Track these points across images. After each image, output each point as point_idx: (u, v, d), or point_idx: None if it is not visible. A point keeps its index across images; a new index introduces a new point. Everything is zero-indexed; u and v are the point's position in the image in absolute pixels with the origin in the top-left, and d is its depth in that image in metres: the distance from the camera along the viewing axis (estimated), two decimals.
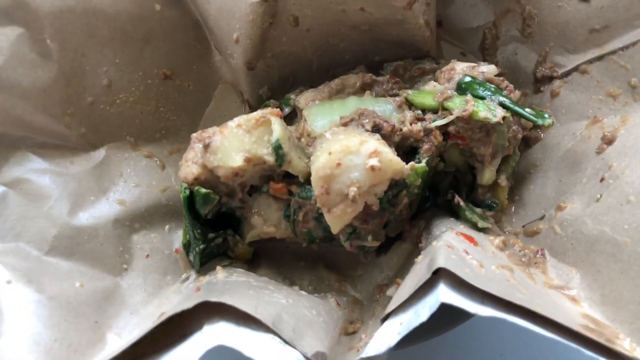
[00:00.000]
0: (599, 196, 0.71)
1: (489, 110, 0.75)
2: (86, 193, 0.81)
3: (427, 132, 0.78)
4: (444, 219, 0.81)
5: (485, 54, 0.96)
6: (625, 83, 0.78)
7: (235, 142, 0.75)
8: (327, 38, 0.90)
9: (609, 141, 0.75)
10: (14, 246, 0.72)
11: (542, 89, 0.89)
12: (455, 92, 0.79)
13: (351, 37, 0.89)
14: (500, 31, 0.92)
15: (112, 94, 0.86)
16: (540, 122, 0.79)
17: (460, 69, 0.83)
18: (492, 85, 0.79)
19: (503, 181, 0.82)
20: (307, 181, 0.77)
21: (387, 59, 0.92)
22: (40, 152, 0.80)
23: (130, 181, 0.86)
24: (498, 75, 0.82)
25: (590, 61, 0.81)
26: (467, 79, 0.80)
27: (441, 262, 0.59)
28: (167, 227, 0.86)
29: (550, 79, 0.87)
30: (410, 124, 0.78)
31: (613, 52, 0.79)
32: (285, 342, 0.61)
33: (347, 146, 0.71)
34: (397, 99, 0.82)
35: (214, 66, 0.96)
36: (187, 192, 0.77)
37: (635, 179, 0.67)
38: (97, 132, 0.85)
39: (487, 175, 0.80)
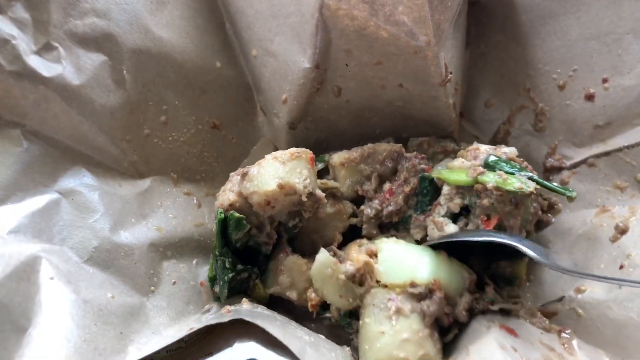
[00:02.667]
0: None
1: (522, 183, 0.79)
2: (128, 214, 0.82)
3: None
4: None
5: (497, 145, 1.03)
6: (631, 177, 0.84)
7: (270, 170, 0.78)
8: (363, 110, 0.97)
9: (622, 231, 0.79)
10: (59, 249, 0.73)
11: (551, 178, 0.95)
12: (485, 169, 0.82)
13: (384, 111, 0.96)
14: (513, 126, 1.00)
15: (167, 130, 0.90)
16: (568, 193, 0.83)
17: (484, 149, 0.88)
18: (516, 164, 0.84)
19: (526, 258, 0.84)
20: (348, 314, 0.80)
21: (413, 135, 0.99)
22: (94, 170, 0.82)
23: (169, 212, 0.87)
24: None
25: (597, 156, 0.88)
26: (493, 157, 0.85)
27: None
28: (195, 260, 0.87)
29: (559, 169, 0.94)
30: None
31: (619, 150, 0.86)
32: None
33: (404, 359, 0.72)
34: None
35: (257, 125, 1.02)
36: (222, 215, 0.79)
37: None
38: (146, 163, 0.88)
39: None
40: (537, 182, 0.82)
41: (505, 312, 0.81)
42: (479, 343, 0.72)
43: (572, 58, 0.90)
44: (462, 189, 0.84)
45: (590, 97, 0.88)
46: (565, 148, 0.93)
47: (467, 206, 0.84)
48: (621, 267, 0.76)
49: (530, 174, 0.83)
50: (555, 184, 0.86)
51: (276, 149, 0.98)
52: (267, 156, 0.80)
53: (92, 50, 0.80)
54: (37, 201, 0.75)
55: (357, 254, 0.79)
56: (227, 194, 0.80)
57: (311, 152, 0.83)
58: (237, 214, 0.78)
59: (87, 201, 0.79)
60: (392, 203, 0.89)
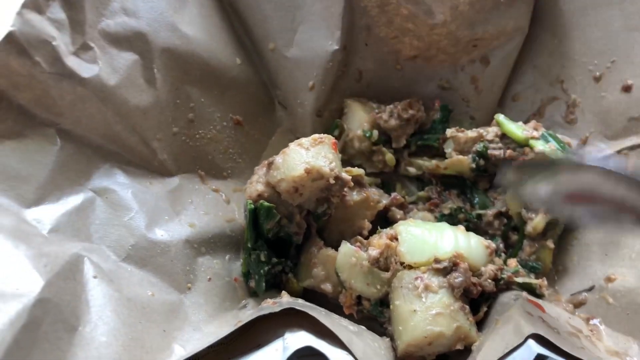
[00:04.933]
0: None
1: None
2: (162, 212, 0.88)
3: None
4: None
5: None
6: None
7: (295, 157, 0.84)
8: (381, 95, 1.05)
9: None
10: (98, 247, 0.78)
11: None
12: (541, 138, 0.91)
13: (401, 93, 1.05)
14: (543, 117, 1.05)
15: (194, 128, 0.95)
16: None
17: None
18: (569, 147, 0.93)
19: (550, 243, 0.91)
20: (379, 302, 0.86)
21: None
22: (126, 169, 0.88)
23: (200, 209, 0.93)
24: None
25: (631, 147, 0.93)
26: (552, 133, 0.93)
27: (531, 329, 0.67)
28: (227, 256, 0.93)
29: None
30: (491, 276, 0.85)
31: None
32: None
33: (440, 333, 0.77)
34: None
35: (276, 120, 1.08)
36: (252, 206, 0.85)
37: None
38: (175, 161, 0.93)
39: (538, 222, 0.89)
40: None
41: (531, 292, 0.87)
42: (507, 313, 0.78)
43: (612, 49, 0.94)
44: (506, 139, 0.94)
45: (627, 89, 0.93)
46: (596, 141, 0.97)
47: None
48: None
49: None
50: None
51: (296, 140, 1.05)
52: (291, 144, 0.86)
53: (125, 49, 0.85)
54: (74, 200, 0.80)
55: (377, 239, 0.86)
56: (255, 185, 0.86)
57: (334, 137, 0.89)
58: (266, 203, 0.84)
59: (121, 199, 0.84)
60: (413, 108, 1.01)
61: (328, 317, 0.74)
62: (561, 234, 0.95)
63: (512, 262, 0.89)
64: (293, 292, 0.90)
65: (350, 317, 0.86)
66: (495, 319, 0.79)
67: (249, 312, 0.82)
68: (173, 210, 0.90)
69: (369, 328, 0.85)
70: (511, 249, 0.96)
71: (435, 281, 0.81)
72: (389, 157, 1.02)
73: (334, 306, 0.89)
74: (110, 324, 0.70)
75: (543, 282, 0.87)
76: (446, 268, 0.82)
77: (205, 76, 0.96)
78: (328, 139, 0.87)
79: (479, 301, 0.86)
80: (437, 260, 0.82)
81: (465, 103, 1.07)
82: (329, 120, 1.05)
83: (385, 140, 1.03)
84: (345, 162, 1.03)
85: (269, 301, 0.80)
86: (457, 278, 0.81)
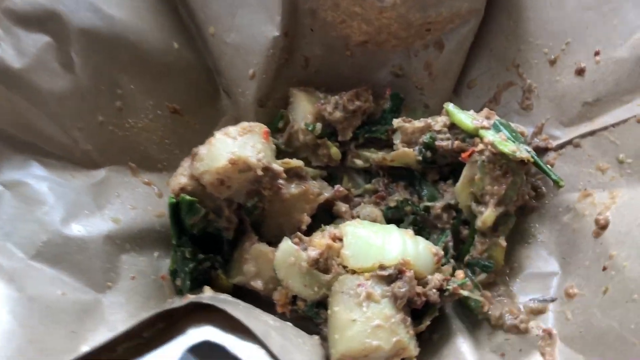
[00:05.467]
0: (604, 288, 0.76)
1: (517, 149, 0.82)
2: (82, 206, 0.83)
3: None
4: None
5: None
6: (613, 158, 0.85)
7: (221, 147, 0.80)
8: (331, 84, 1.00)
9: (603, 226, 0.80)
10: (2, 245, 0.73)
11: None
12: (492, 128, 0.87)
13: (351, 81, 1.00)
14: (499, 104, 1.01)
15: (122, 117, 0.90)
16: (554, 177, 0.87)
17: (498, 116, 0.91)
18: (522, 137, 0.88)
19: (503, 241, 0.87)
20: (315, 304, 0.83)
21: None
22: (44, 161, 0.83)
23: (127, 202, 0.88)
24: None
25: (583, 135, 0.88)
26: (504, 122, 0.89)
27: None
28: (156, 253, 0.88)
29: (545, 150, 0.94)
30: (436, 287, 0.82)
31: (604, 128, 0.86)
32: (274, 356, 0.61)
33: (378, 347, 0.74)
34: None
35: (221, 109, 1.03)
36: (173, 200, 0.81)
37: (637, 275, 0.72)
38: (101, 152, 0.88)
39: (488, 217, 0.85)
40: (534, 159, 0.86)
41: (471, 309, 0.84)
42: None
43: (565, 30, 0.90)
44: (456, 130, 0.90)
45: (580, 72, 0.89)
46: (552, 128, 0.93)
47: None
48: (604, 268, 0.77)
49: (530, 150, 0.87)
50: (550, 167, 0.88)
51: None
52: (217, 133, 0.82)
53: (34, 30, 0.80)
54: None
55: (319, 238, 0.81)
56: (178, 178, 0.81)
57: (265, 126, 0.84)
58: (188, 197, 0.80)
59: (34, 192, 0.79)
60: (360, 99, 0.96)
61: (246, 311, 0.69)
62: (517, 229, 0.91)
63: (460, 274, 0.85)
64: (223, 289, 0.86)
65: (282, 316, 0.82)
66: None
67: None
68: (95, 205, 0.85)
69: (303, 328, 0.81)
70: (462, 245, 0.92)
71: (378, 290, 0.78)
72: (334, 151, 0.97)
73: (267, 304, 0.85)
74: (4, 325, 0.65)
75: (488, 299, 0.85)
76: (391, 276, 0.79)
77: (134, 61, 0.91)
78: (259, 127, 0.83)
79: (421, 311, 0.82)
80: (382, 267, 0.79)
81: (419, 90, 1.03)
82: (274, 110, 1.01)
83: (331, 132, 0.98)
84: (291, 155, 0.99)
85: (187, 296, 0.75)
86: (401, 288, 0.78)
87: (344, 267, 0.80)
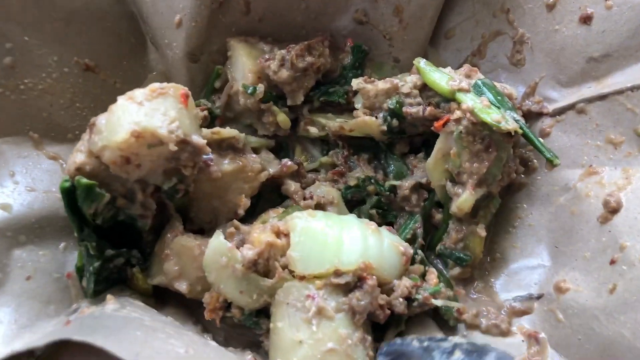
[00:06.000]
0: (611, 286, 0.63)
1: (503, 118, 0.67)
2: None
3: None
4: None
5: None
6: (629, 129, 0.69)
7: (122, 116, 0.64)
8: (280, 32, 0.83)
9: (613, 210, 0.66)
10: None
11: (527, 126, 0.80)
12: (472, 89, 0.71)
13: (306, 28, 0.83)
14: (484, 57, 0.84)
15: (16, 77, 0.74)
16: (549, 155, 0.73)
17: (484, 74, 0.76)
18: (509, 102, 0.72)
19: (482, 230, 0.73)
20: (254, 312, 0.67)
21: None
22: None
23: (24, 183, 0.73)
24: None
25: (589, 100, 0.73)
26: (488, 82, 0.73)
27: None
28: (62, 244, 0.73)
29: (538, 115, 0.78)
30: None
31: (620, 92, 0.71)
32: None
33: None
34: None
35: (148, 65, 0.87)
36: (67, 184, 0.65)
37: None
38: None
39: (465, 201, 0.70)
40: (523, 131, 0.71)
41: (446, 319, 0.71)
42: None
43: None
44: (428, 92, 0.74)
45: (586, 20, 0.73)
46: (547, 88, 0.78)
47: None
48: (612, 262, 0.63)
49: (518, 118, 0.72)
50: (541, 140, 0.73)
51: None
52: (120, 98, 0.66)
53: None
54: None
55: (259, 233, 0.65)
56: (75, 155, 0.66)
57: (185, 87, 0.68)
58: (84, 180, 0.64)
59: None
60: (312, 53, 0.79)
61: (143, 337, 0.54)
62: (500, 209, 0.76)
63: (433, 279, 0.71)
64: (142, 291, 0.71)
65: (211, 324, 0.68)
66: None
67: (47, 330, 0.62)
68: None
69: (239, 337, 0.68)
70: (434, 231, 0.77)
71: (331, 303, 0.63)
72: (282, 118, 0.80)
73: (198, 306, 0.71)
74: None
75: (463, 307, 0.70)
76: (348, 284, 0.64)
77: (28, 6, 0.74)
78: (174, 89, 0.66)
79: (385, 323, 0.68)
80: (337, 273, 0.64)
81: (387, 41, 0.86)
82: (210, 67, 0.84)
83: (279, 95, 0.81)
84: (232, 122, 0.83)
85: (85, 310, 0.60)
86: (360, 299, 0.64)
87: (291, 271, 0.65)
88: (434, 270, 0.72)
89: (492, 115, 0.66)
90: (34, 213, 0.71)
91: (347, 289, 0.64)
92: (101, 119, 0.65)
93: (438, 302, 0.68)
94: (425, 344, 0.59)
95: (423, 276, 0.71)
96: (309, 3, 0.82)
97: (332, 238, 0.65)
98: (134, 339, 0.53)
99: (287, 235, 0.66)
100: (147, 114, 0.64)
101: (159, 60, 0.86)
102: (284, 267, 0.64)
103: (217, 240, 0.66)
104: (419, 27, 0.84)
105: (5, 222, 0.68)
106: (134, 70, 0.85)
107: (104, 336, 0.50)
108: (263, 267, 0.65)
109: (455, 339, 0.65)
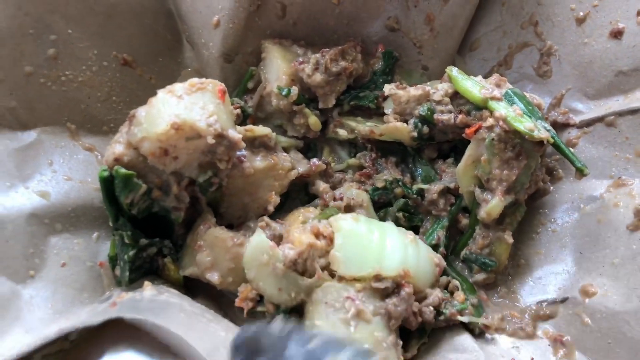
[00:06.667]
0: None
1: (535, 127, 0.68)
2: (1, 177, 0.68)
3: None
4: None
5: None
6: None
7: (162, 108, 0.65)
8: (313, 36, 0.84)
9: None
10: None
11: None
12: (504, 98, 0.72)
13: (338, 33, 0.85)
14: (511, 68, 0.86)
15: (58, 68, 0.76)
16: (579, 165, 0.75)
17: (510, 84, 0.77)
18: (539, 112, 0.73)
19: (509, 237, 0.74)
20: (288, 310, 0.68)
21: None
22: None
23: (61, 172, 0.74)
24: None
25: (620, 113, 0.74)
26: (518, 92, 0.74)
27: None
28: (95, 234, 0.74)
29: (564, 125, 0.80)
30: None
31: None
32: None
33: None
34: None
35: (183, 62, 0.88)
36: (105, 173, 0.66)
37: None
38: (30, 110, 0.74)
39: (494, 207, 0.71)
40: (555, 140, 0.73)
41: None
42: None
43: None
44: (459, 99, 0.76)
45: (617, 34, 0.75)
46: (574, 100, 0.79)
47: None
48: None
49: (549, 128, 0.73)
50: (572, 150, 0.75)
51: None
52: (160, 91, 0.68)
53: None
54: None
55: (299, 233, 0.67)
56: (113, 146, 0.67)
57: (221, 83, 0.70)
58: (123, 170, 0.66)
59: None
60: (346, 58, 0.81)
61: (188, 321, 0.56)
62: (522, 218, 0.77)
63: (460, 296, 0.72)
64: (173, 281, 0.73)
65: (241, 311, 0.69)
66: None
67: (82, 317, 0.63)
68: (19, 174, 0.70)
69: None
70: (460, 236, 0.78)
71: (370, 306, 0.64)
72: (313, 120, 0.81)
73: (228, 300, 0.73)
74: None
75: (491, 321, 0.71)
76: (387, 289, 0.65)
77: (73, 1, 0.75)
78: (212, 85, 0.68)
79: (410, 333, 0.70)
80: (378, 278, 0.65)
81: (417, 49, 0.87)
82: (243, 67, 0.85)
83: (311, 98, 0.82)
84: (263, 121, 0.84)
85: (121, 296, 0.62)
86: (397, 305, 0.65)
87: (331, 272, 0.66)
88: (457, 283, 0.73)
89: (525, 124, 0.68)
90: (70, 202, 0.72)
91: (384, 293, 0.65)
92: (141, 111, 0.67)
93: (464, 319, 0.69)
94: (283, 333, 0.59)
95: (446, 286, 0.73)
96: (342, 9, 0.84)
97: (375, 243, 0.66)
98: (179, 320, 0.54)
99: (326, 237, 0.67)
100: (186, 107, 0.65)
101: (194, 58, 0.87)
102: (323, 267, 0.65)
103: (260, 238, 0.67)
104: (449, 36, 0.85)
105: (44, 210, 0.70)
106: (169, 66, 0.87)
107: (154, 315, 0.51)
108: (302, 266, 0.66)
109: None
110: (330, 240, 0.66)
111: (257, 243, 0.66)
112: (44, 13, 0.73)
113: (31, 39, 0.72)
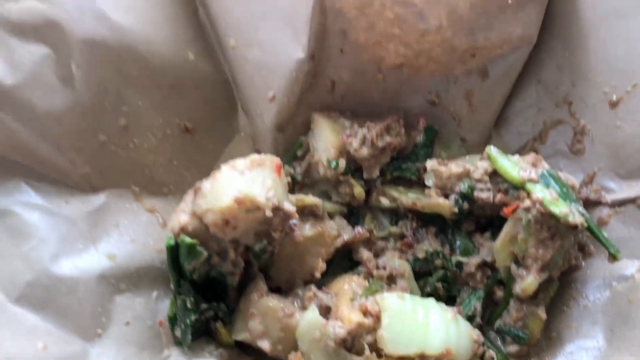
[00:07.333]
0: None
1: (570, 211, 0.72)
2: (75, 239, 0.75)
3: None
4: None
5: None
6: None
7: (226, 183, 0.71)
8: (357, 107, 0.90)
9: None
10: None
11: None
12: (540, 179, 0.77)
13: (381, 107, 0.90)
14: (545, 143, 0.90)
15: (127, 136, 0.82)
16: (612, 251, 0.77)
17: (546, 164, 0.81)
18: (573, 194, 0.77)
19: (543, 313, 0.78)
20: None
21: None
22: (36, 185, 0.75)
23: (126, 235, 0.80)
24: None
25: None
26: (554, 173, 0.78)
27: None
28: (155, 293, 0.80)
29: (596, 203, 0.84)
30: None
31: None
32: None
33: None
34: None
35: (238, 128, 0.94)
36: (172, 242, 0.72)
37: None
38: (101, 175, 0.80)
39: (530, 285, 0.75)
40: (587, 222, 0.76)
41: None
42: None
43: (635, 70, 0.79)
44: (497, 178, 0.80)
45: None
46: (606, 178, 0.83)
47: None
48: None
49: (583, 211, 0.77)
50: (605, 234, 0.78)
51: (258, 152, 0.90)
52: (223, 166, 0.73)
53: (31, 40, 0.71)
54: None
55: (348, 310, 0.71)
56: (179, 215, 0.73)
57: (278, 159, 0.75)
58: (188, 240, 0.71)
59: (22, 224, 0.71)
60: (390, 133, 0.86)
61: None
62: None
63: None
64: (223, 344, 0.78)
65: None
66: None
67: None
68: (90, 237, 0.76)
69: None
70: (495, 307, 0.82)
71: None
72: (358, 190, 0.86)
73: None
74: None
75: None
76: None
77: (144, 75, 0.81)
78: (270, 160, 0.74)
79: None
80: (422, 356, 0.69)
81: (456, 122, 0.92)
82: (293, 136, 0.91)
83: (356, 168, 0.88)
84: (309, 187, 0.89)
85: None
86: None
87: (377, 349, 0.70)
88: (493, 354, 0.76)
89: (561, 208, 0.72)
90: (134, 263, 0.78)
91: None
92: (206, 185, 0.72)
93: None
94: None
95: (482, 357, 0.76)
96: (386, 85, 0.89)
97: (420, 322, 0.70)
98: None
99: (373, 315, 0.71)
100: (247, 182, 0.71)
101: (247, 125, 0.93)
102: (370, 344, 0.70)
103: (313, 315, 0.72)
104: (487, 111, 0.90)
105: (111, 271, 0.76)
106: (224, 131, 0.92)
107: None
108: (350, 343, 0.70)
109: None
110: (377, 319, 0.70)
111: (310, 319, 0.71)
112: (120, 87, 0.79)
113: (107, 111, 0.79)
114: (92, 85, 0.77)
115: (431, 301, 0.75)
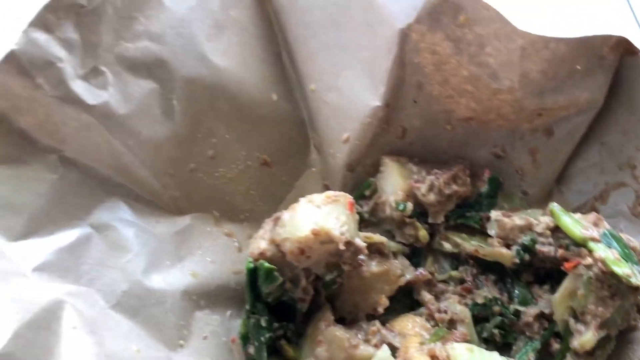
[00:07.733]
0: None
1: (632, 273, 0.75)
2: (164, 256, 0.82)
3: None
4: None
5: None
6: None
7: (304, 215, 0.76)
8: (425, 154, 0.95)
9: None
10: (86, 291, 0.73)
11: None
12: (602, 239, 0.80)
13: (447, 154, 0.95)
14: (606, 203, 0.93)
15: (214, 165, 0.89)
16: None
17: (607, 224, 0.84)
18: (634, 255, 0.80)
19: None
20: None
21: None
22: (133, 204, 0.82)
23: (207, 255, 0.87)
24: None
25: None
26: (616, 234, 0.81)
27: None
28: (229, 312, 0.86)
29: None
30: None
31: None
32: None
33: None
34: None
35: (309, 163, 1.00)
36: (252, 265, 0.78)
37: None
38: (188, 199, 0.88)
39: (588, 341, 0.78)
40: None
41: None
42: None
43: None
44: (559, 233, 0.83)
45: None
46: None
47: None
48: None
49: None
50: None
51: (326, 187, 0.98)
52: (301, 199, 0.80)
53: (142, 76, 0.80)
54: (68, 236, 0.75)
55: (418, 354, 0.75)
56: (259, 242, 0.79)
57: (351, 197, 0.81)
58: (267, 265, 0.77)
59: (121, 238, 0.79)
60: (457, 182, 0.90)
61: None
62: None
63: None
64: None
65: None
66: None
67: None
68: (177, 255, 0.84)
69: None
70: (550, 359, 0.85)
71: None
72: (423, 233, 0.91)
73: None
74: None
75: None
76: None
77: (233, 111, 0.89)
78: (344, 197, 0.80)
79: None
80: None
81: (520, 176, 0.96)
82: (362, 176, 0.96)
83: (421, 212, 0.92)
84: (374, 225, 0.94)
85: None
86: None
87: None
88: None
89: (623, 269, 0.75)
90: (214, 282, 0.85)
91: None
92: (286, 215, 0.79)
93: None
94: None
95: None
96: (454, 134, 0.94)
97: None
98: None
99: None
100: (324, 216, 0.77)
101: (318, 161, 0.99)
102: None
103: (384, 353, 0.77)
104: (550, 168, 0.94)
105: (193, 287, 0.83)
106: (297, 166, 0.99)
107: None
108: None
109: None
110: None
111: (381, 357, 0.76)
112: (212, 121, 0.87)
113: (199, 142, 0.87)
114: (188, 118, 0.85)
115: (496, 355, 0.77)
